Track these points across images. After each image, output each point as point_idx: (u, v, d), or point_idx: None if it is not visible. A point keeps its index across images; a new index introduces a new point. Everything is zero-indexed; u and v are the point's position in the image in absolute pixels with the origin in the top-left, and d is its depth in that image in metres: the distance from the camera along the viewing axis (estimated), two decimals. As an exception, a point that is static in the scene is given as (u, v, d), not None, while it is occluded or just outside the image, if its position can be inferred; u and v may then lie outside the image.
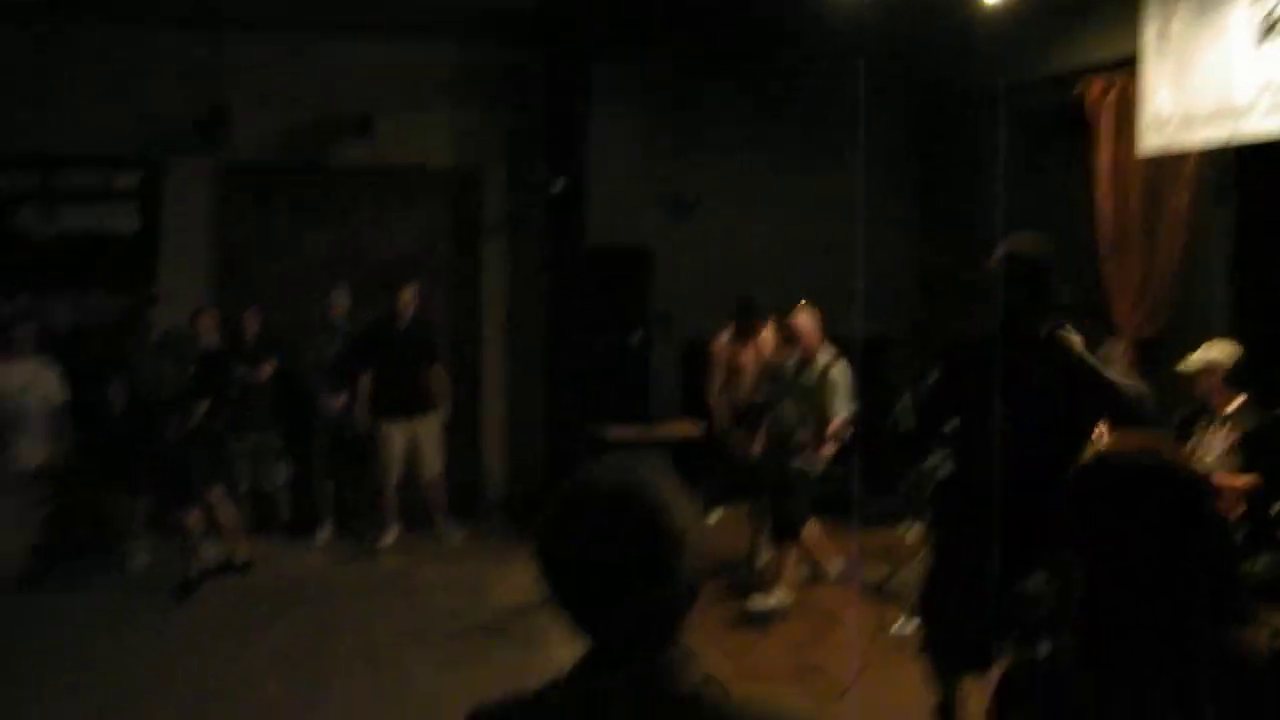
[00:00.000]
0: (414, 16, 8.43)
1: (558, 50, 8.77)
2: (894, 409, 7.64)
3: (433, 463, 8.22)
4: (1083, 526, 1.73)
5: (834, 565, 7.15)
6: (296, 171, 8.75)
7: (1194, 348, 5.69)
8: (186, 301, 8.11)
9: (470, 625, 6.56)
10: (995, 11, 6.74)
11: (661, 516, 1.45)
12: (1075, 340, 4.08)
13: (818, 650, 6.05)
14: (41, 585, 7.06)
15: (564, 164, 8.63)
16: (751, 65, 8.97)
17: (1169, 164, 6.63)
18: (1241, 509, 5.22)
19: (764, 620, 6.44)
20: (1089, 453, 1.81)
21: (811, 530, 6.93)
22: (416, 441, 8.14)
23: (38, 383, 7.04)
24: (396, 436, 8.08)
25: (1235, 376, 5.57)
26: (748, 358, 7.33)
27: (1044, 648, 1.79)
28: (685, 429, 8.27)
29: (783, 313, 7.07)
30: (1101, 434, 3.93)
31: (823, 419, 6.64)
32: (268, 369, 8.06)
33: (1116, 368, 5.16)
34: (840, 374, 6.68)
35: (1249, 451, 5.34)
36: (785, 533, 6.68)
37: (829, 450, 6.62)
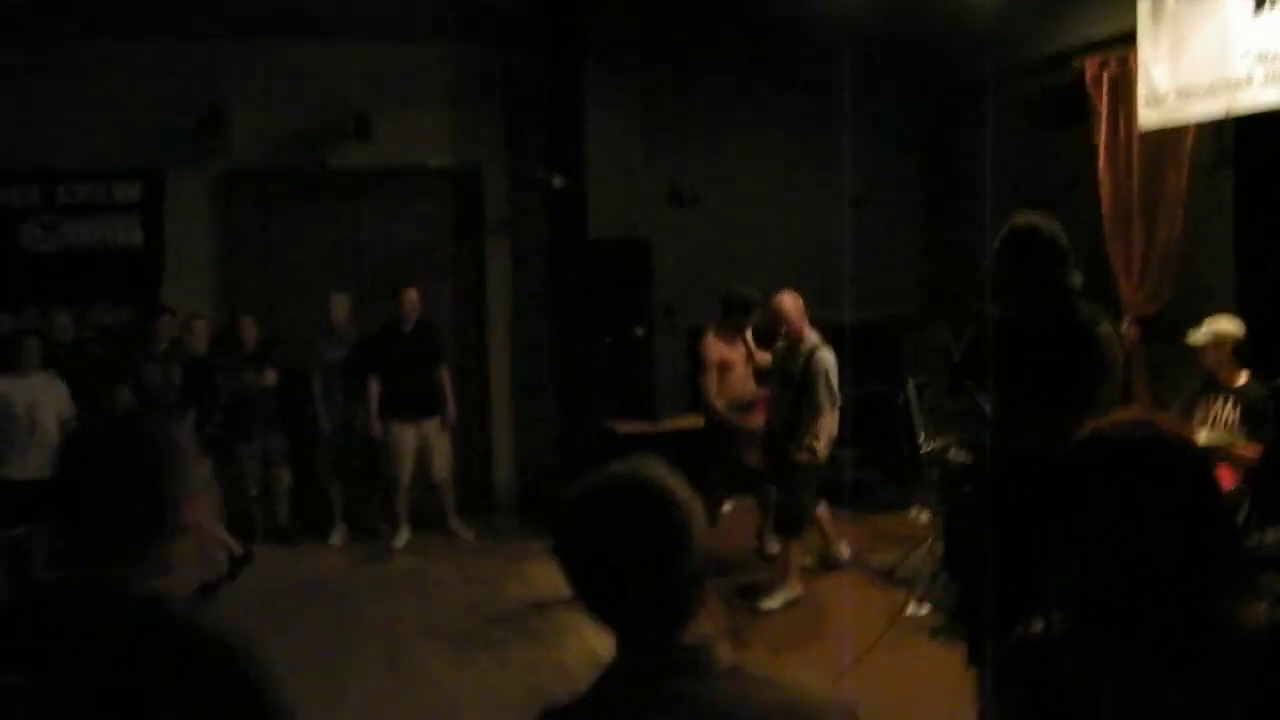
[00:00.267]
0: (410, 17, 8.44)
1: (555, 47, 8.79)
2: (901, 394, 7.69)
3: (443, 463, 8.26)
4: (1076, 502, 1.70)
5: (843, 550, 7.16)
6: (297, 175, 8.76)
7: (1198, 323, 5.71)
8: (192, 311, 8.16)
9: (486, 621, 6.58)
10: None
11: (670, 509, 1.55)
12: (1107, 332, 4.03)
13: (829, 638, 6.07)
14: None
15: (563, 160, 8.64)
16: (748, 56, 8.97)
17: (1168, 139, 6.62)
18: (1247, 483, 5.24)
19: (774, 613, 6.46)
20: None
21: (822, 514, 6.93)
22: (426, 442, 8.18)
23: (45, 396, 7.06)
24: (406, 438, 8.12)
25: (1241, 351, 5.59)
26: (736, 354, 7.30)
27: (1037, 625, 1.77)
28: (691, 422, 8.27)
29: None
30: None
31: (813, 407, 6.57)
32: (270, 374, 8.08)
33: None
34: (826, 360, 6.61)
35: (1253, 424, 5.36)
36: (789, 526, 6.65)
37: (822, 444, 6.56)
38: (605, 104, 8.54)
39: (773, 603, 6.49)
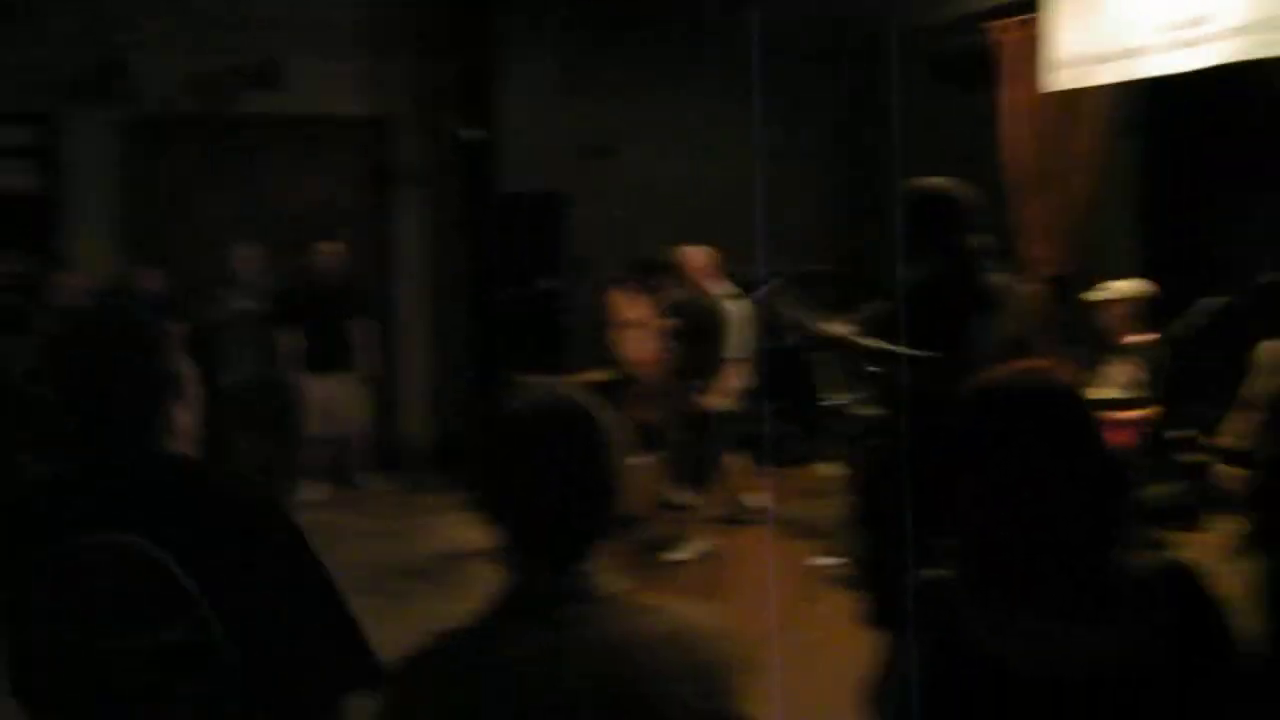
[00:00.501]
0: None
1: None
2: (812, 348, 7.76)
3: (356, 416, 8.19)
4: (967, 451, 1.71)
5: (753, 502, 7.24)
6: (203, 122, 8.53)
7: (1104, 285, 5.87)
8: (94, 262, 7.90)
9: (396, 574, 6.55)
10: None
11: (593, 428, 1.58)
12: (1006, 289, 4.10)
13: (738, 589, 6.16)
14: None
15: (477, 111, 8.54)
16: (666, 10, 8.92)
17: (1075, 103, 6.74)
18: (1142, 439, 5.41)
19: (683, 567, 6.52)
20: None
21: (730, 466, 6.99)
22: (340, 395, 8.09)
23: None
24: (320, 391, 8.02)
25: (1144, 312, 5.74)
26: (643, 312, 7.35)
27: (929, 574, 1.78)
28: (602, 375, 8.30)
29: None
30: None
31: (720, 358, 6.60)
32: (173, 328, 7.86)
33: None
34: (735, 312, 6.64)
35: (1152, 384, 5.52)
36: (697, 478, 6.71)
37: (730, 389, 6.58)
38: (521, 55, 8.46)
39: (681, 554, 6.56)
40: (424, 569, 6.63)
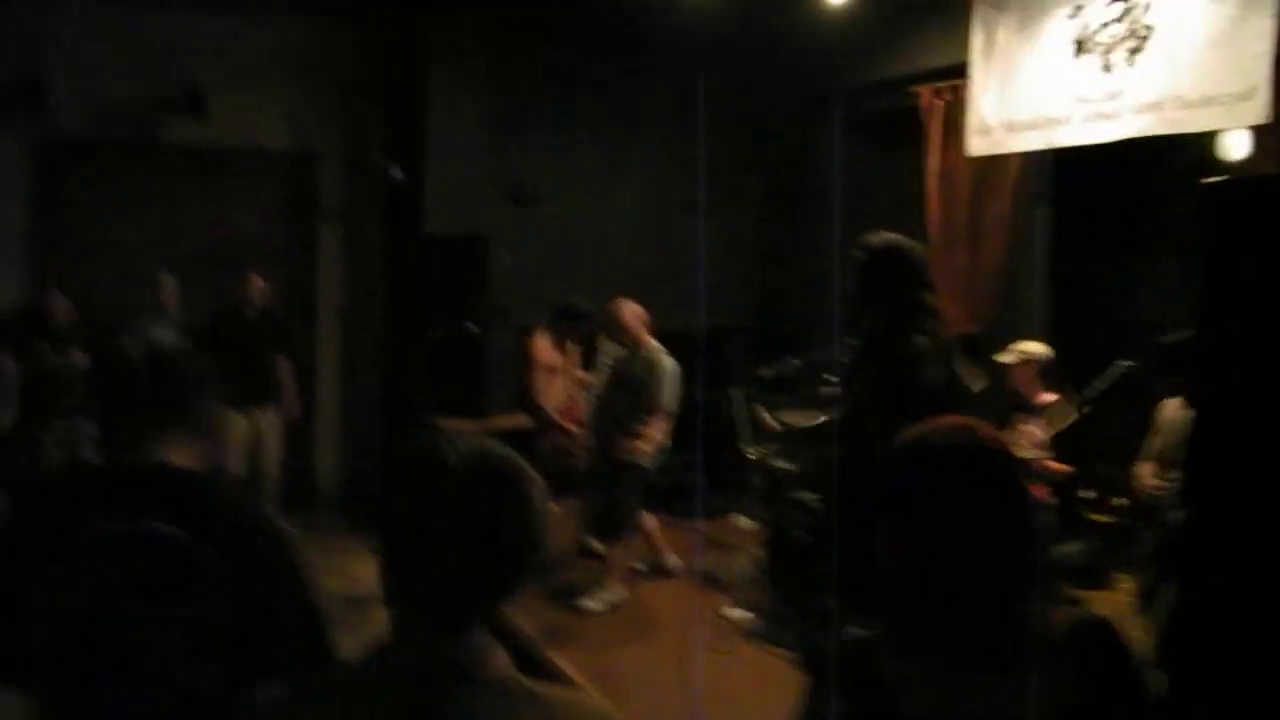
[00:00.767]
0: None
1: (400, 35, 8.64)
2: (726, 401, 7.80)
3: (273, 455, 8.03)
4: (893, 505, 1.71)
5: (671, 559, 7.21)
6: (124, 148, 8.36)
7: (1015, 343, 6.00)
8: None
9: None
10: (834, 18, 6.94)
11: (525, 485, 1.51)
12: (921, 348, 4.14)
13: (648, 639, 6.12)
14: None
15: (403, 151, 8.50)
16: (597, 59, 8.98)
17: (994, 167, 6.93)
18: (1053, 498, 5.52)
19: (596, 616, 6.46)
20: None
21: (648, 522, 6.97)
22: (258, 432, 7.92)
23: None
24: (239, 426, 7.84)
25: (1049, 373, 5.88)
26: (562, 360, 7.34)
27: (852, 631, 1.78)
28: (519, 422, 8.24)
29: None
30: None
31: (649, 411, 6.61)
32: (79, 355, 7.64)
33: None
34: (667, 366, 6.67)
35: (1061, 446, 5.64)
36: (613, 528, 6.67)
37: (654, 441, 6.61)
38: (448, 97, 8.45)
39: (594, 603, 6.49)
40: (329, 611, 6.47)
